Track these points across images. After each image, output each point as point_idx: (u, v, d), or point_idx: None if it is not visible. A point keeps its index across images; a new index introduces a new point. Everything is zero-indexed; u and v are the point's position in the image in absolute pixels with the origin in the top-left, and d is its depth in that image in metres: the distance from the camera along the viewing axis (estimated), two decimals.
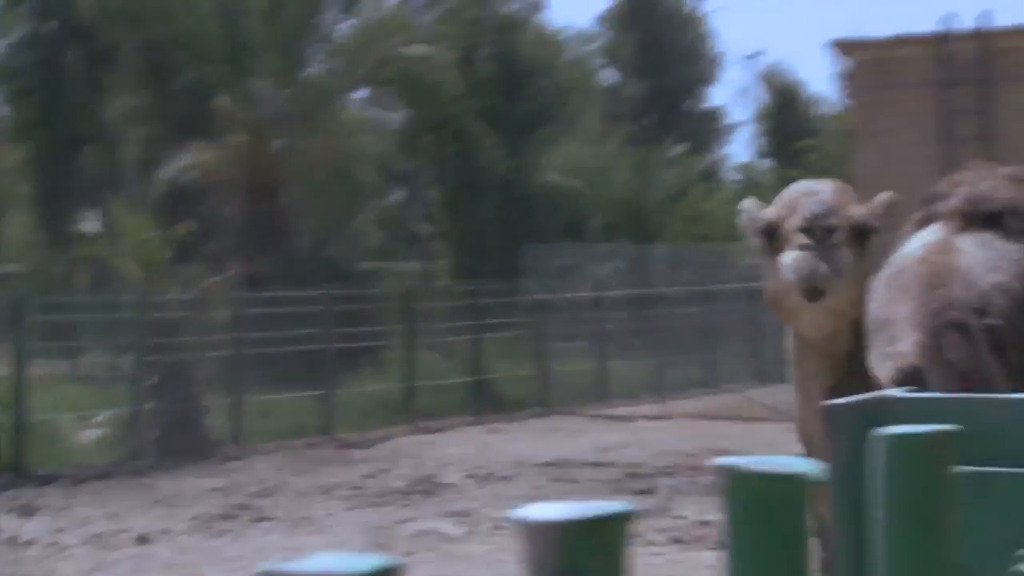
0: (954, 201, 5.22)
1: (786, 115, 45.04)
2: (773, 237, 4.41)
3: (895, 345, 4.51)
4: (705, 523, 12.18)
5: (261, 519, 13.09)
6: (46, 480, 15.63)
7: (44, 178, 31.61)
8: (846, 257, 4.27)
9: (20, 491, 14.89)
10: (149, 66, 30.69)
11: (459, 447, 18.10)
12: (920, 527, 1.35)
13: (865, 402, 1.70)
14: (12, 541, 12.15)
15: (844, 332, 4.44)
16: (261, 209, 26.12)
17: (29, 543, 12.07)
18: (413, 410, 20.96)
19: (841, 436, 1.61)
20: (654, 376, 24.83)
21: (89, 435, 17.34)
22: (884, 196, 4.74)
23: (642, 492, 13.97)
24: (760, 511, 1.16)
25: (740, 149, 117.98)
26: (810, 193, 4.46)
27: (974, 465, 1.66)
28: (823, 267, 4.22)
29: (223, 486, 15.02)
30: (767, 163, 45.91)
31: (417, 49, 28.03)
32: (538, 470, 15.93)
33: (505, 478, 15.32)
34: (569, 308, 24.79)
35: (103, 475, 15.98)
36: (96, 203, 23.57)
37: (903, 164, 17.87)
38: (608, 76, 44.67)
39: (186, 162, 26.13)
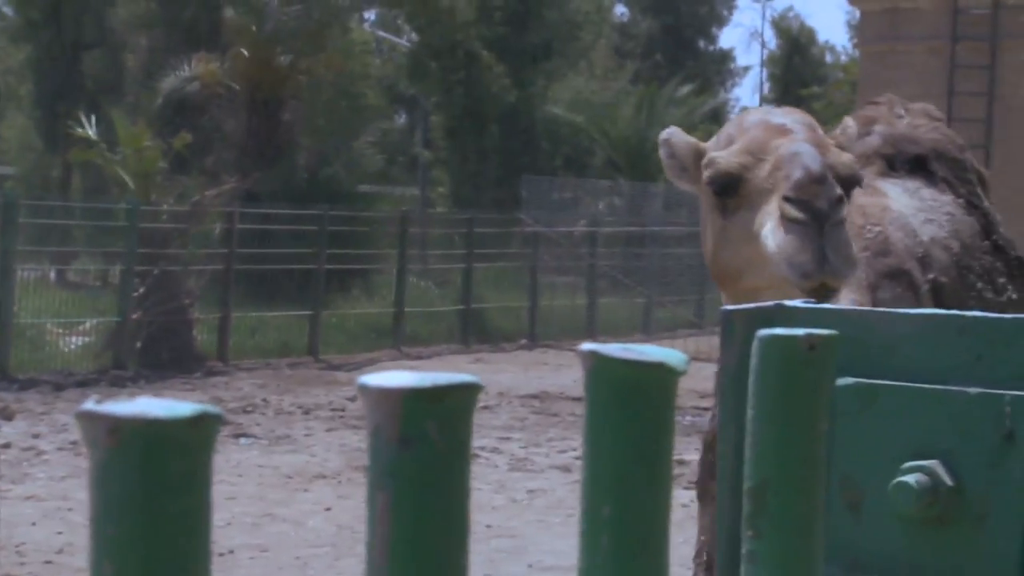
0: (873, 141, 4.51)
1: (794, 62, 44.82)
2: (729, 191, 3.27)
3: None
4: (682, 462, 12.20)
5: (240, 435, 13.11)
6: (27, 384, 15.65)
7: (45, 80, 31.50)
8: (849, 237, 3.13)
9: (0, 394, 14.91)
10: None
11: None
12: (786, 430, 1.38)
13: (761, 309, 1.70)
14: None
15: None
16: (261, 125, 26.02)
17: (5, 446, 12.09)
18: (400, 335, 20.96)
19: (732, 340, 1.64)
20: (643, 314, 24.84)
21: (73, 342, 17.34)
22: (851, 125, 3.72)
23: None
24: (622, 398, 1.16)
25: (746, 93, 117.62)
26: (780, 130, 3.27)
27: (868, 378, 1.69)
28: (834, 257, 3.03)
29: (205, 400, 15.01)
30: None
31: None
32: (520, 401, 15.95)
33: (486, 408, 15.33)
34: (563, 242, 24.76)
35: (84, 383, 16.00)
36: (96, 109, 23.47)
37: None
38: (619, 12, 44.43)
39: (189, 73, 25.96)
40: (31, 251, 18.33)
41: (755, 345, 1.41)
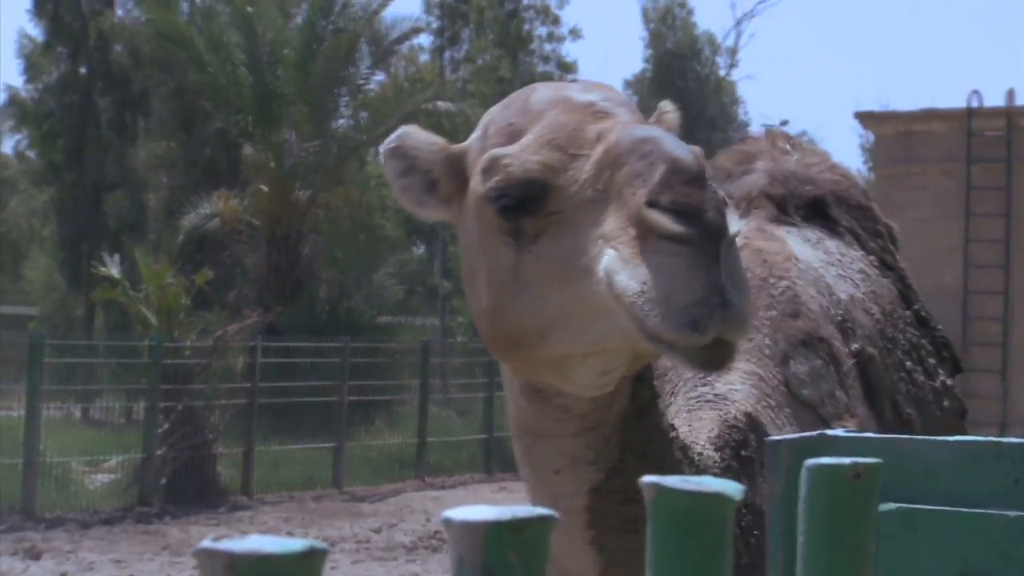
0: (758, 180, 3.58)
1: None
2: (528, 207, 2.20)
3: (712, 384, 2.84)
4: None
5: None
6: (53, 523, 15.64)
7: (68, 221, 31.86)
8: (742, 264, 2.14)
9: (27, 533, 14.90)
10: (178, 113, 31.01)
11: (468, 504, 18.05)
12: (836, 554, 1.45)
13: (806, 439, 1.80)
14: None
15: (627, 382, 2.42)
16: (282, 259, 26.24)
17: None
18: (423, 465, 20.96)
19: (778, 469, 1.72)
20: None
21: (98, 479, 17.36)
22: (670, 110, 2.59)
23: None
24: (683, 527, 1.23)
25: None
26: (592, 111, 2.24)
27: (909, 503, 1.76)
28: (736, 295, 2.00)
29: (230, 535, 14.99)
30: None
31: (446, 105, 28.15)
32: None
33: None
34: None
35: (110, 520, 15.99)
36: (118, 248, 23.73)
37: (923, 239, 17.89)
38: None
39: (209, 210, 26.26)
40: (56, 390, 18.41)
41: (803, 474, 1.49)
